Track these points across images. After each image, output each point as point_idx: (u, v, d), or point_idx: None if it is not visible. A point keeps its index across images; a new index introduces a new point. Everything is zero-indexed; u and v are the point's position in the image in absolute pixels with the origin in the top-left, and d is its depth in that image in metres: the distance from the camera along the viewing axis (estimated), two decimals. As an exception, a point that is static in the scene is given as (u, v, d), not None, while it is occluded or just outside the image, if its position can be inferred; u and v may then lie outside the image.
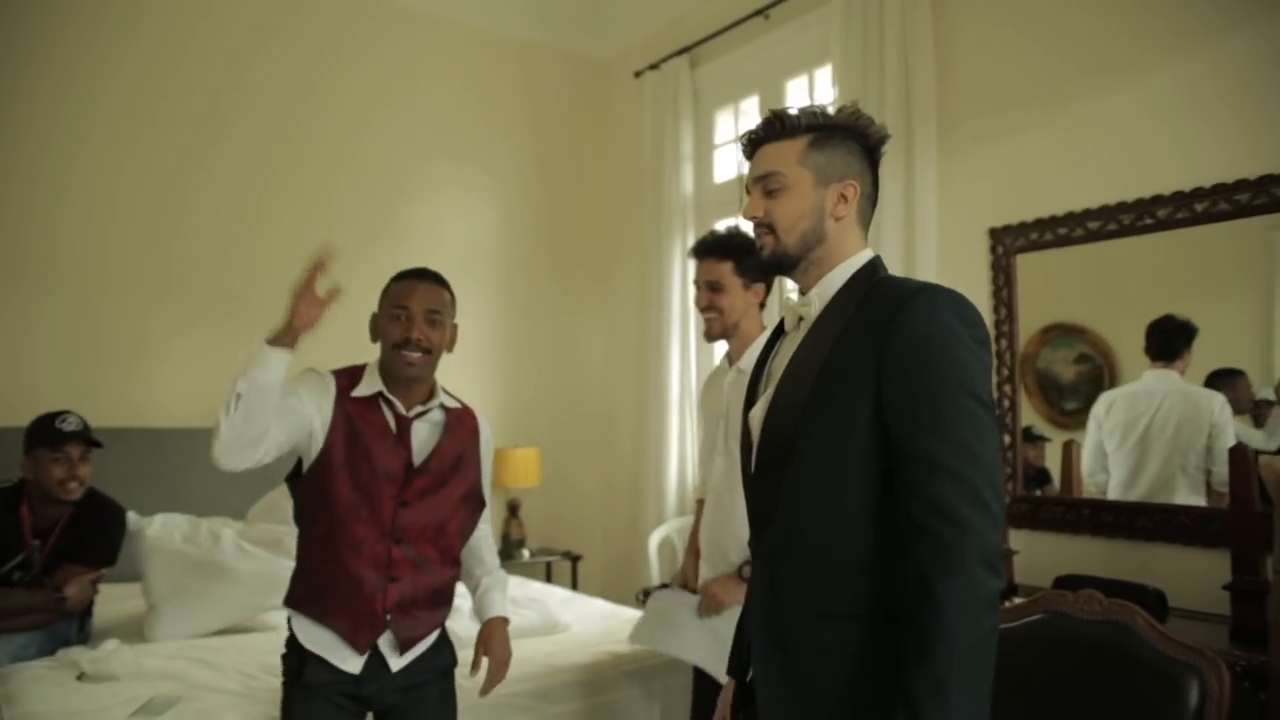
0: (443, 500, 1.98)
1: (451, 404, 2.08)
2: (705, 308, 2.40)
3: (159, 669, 2.51)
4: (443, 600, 2.03)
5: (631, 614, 3.31)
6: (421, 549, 1.95)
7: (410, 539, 1.93)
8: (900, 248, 3.45)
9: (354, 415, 1.92)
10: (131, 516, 3.01)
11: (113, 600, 3.19)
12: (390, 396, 1.96)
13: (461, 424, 2.07)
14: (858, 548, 1.31)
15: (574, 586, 4.69)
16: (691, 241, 4.63)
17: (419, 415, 2.00)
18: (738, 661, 1.63)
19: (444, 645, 2.07)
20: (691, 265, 4.60)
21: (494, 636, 2.04)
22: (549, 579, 4.79)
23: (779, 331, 1.56)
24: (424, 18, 4.73)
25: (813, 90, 4.19)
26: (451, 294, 2.04)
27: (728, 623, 2.17)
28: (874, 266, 1.45)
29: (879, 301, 1.35)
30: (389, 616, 1.90)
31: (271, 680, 2.44)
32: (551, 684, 2.55)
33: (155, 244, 3.95)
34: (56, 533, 2.87)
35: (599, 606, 3.37)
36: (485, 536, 2.17)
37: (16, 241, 3.66)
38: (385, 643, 1.91)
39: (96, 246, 3.82)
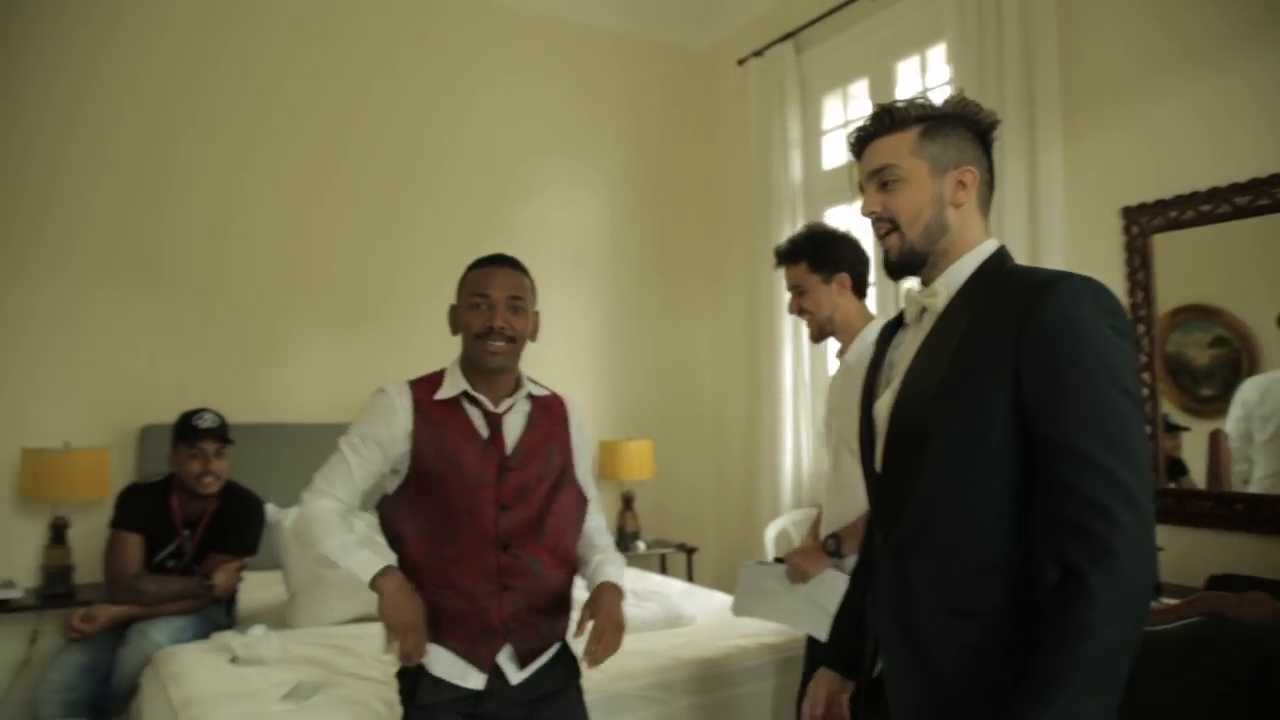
0: (541, 495, 1.88)
1: (539, 392, 1.98)
2: (798, 312, 2.41)
3: (303, 654, 2.63)
4: (562, 607, 1.93)
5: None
6: (531, 552, 1.85)
7: (517, 543, 1.83)
8: (1024, 235, 3.33)
9: (437, 423, 1.85)
10: (270, 508, 3.16)
11: (257, 587, 3.36)
12: (476, 394, 1.87)
13: (549, 412, 1.97)
14: (993, 542, 1.28)
15: (689, 578, 4.69)
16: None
17: (508, 409, 1.91)
18: (847, 657, 1.60)
19: (566, 656, 1.96)
20: (802, 254, 4.58)
21: (603, 595, 1.86)
22: (664, 571, 4.81)
23: (897, 323, 1.53)
24: (521, 14, 4.78)
25: (925, 71, 4.07)
26: (531, 280, 1.96)
27: (820, 588, 2.23)
28: (1002, 256, 1.41)
29: (1013, 291, 1.31)
30: (507, 629, 1.81)
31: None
32: (676, 677, 2.56)
33: (284, 246, 4.13)
34: (204, 524, 3.07)
35: (720, 599, 3.35)
36: (598, 528, 2.06)
37: (157, 248, 3.86)
38: (504, 656, 1.82)
39: (229, 251, 4.01)
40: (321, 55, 4.26)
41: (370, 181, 4.35)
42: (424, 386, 1.90)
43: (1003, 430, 1.26)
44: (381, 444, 1.84)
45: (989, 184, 1.45)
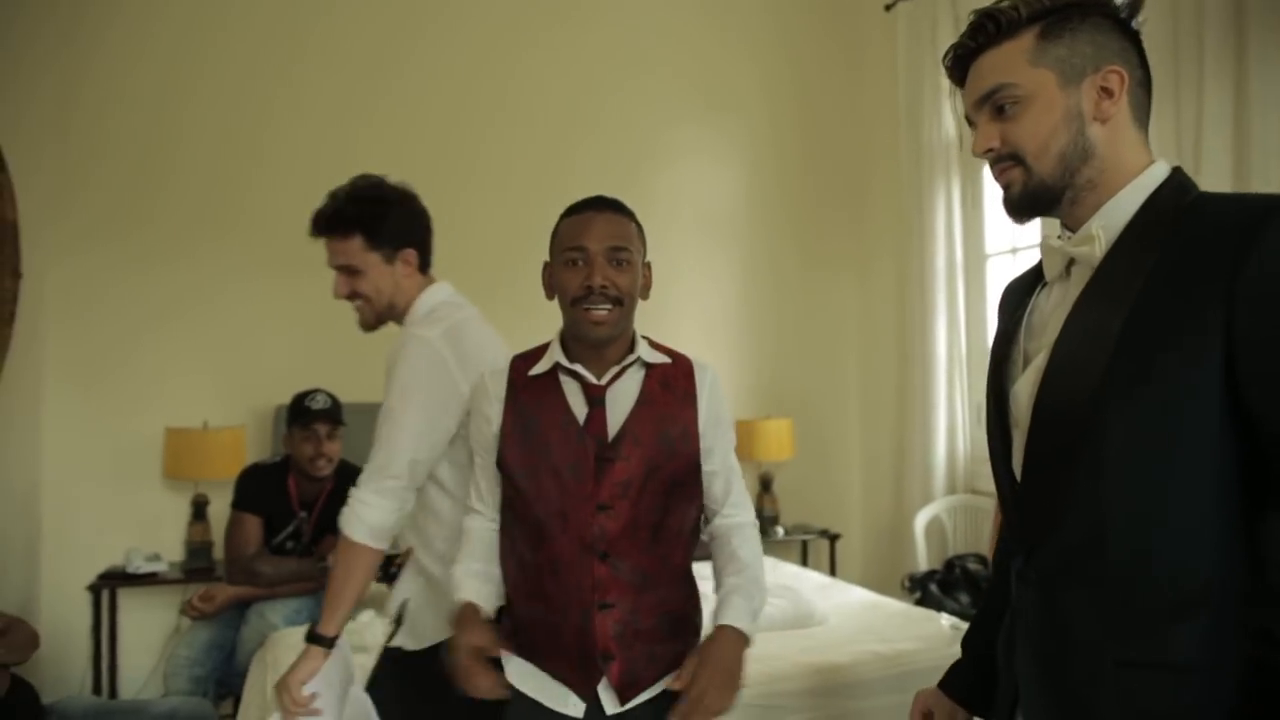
0: (654, 492, 1.50)
1: (656, 358, 1.57)
2: (348, 297, 1.93)
3: (407, 643, 2.52)
4: (680, 629, 1.55)
5: (897, 606, 2.97)
6: (636, 561, 1.50)
7: (618, 551, 1.49)
8: (1229, 161, 2.79)
9: (526, 405, 1.54)
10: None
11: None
12: (572, 366, 1.53)
13: (670, 384, 1.56)
14: (1193, 571, 0.97)
15: (832, 569, 4.38)
16: (958, 190, 4.13)
17: (614, 380, 1.53)
18: (968, 684, 1.32)
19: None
20: (959, 215, 4.15)
21: (717, 646, 1.46)
22: (804, 560, 4.52)
23: (1033, 280, 1.20)
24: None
25: (1103, -3, 3.53)
26: (638, 224, 1.57)
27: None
28: (1180, 183, 1.06)
29: (1214, 227, 0.98)
30: (605, 655, 1.48)
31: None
32: (801, 686, 2.29)
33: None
34: (319, 505, 3.05)
35: (859, 596, 3.04)
36: (739, 527, 1.61)
37: (270, 229, 3.87)
38: (605, 685, 1.50)
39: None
40: (445, 28, 4.17)
41: (507, 154, 4.24)
42: (524, 361, 1.61)
43: (1208, 418, 0.95)
44: (490, 439, 1.58)
45: (1145, 87, 1.10)
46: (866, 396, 4.84)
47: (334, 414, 3.07)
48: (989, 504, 3.95)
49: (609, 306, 1.48)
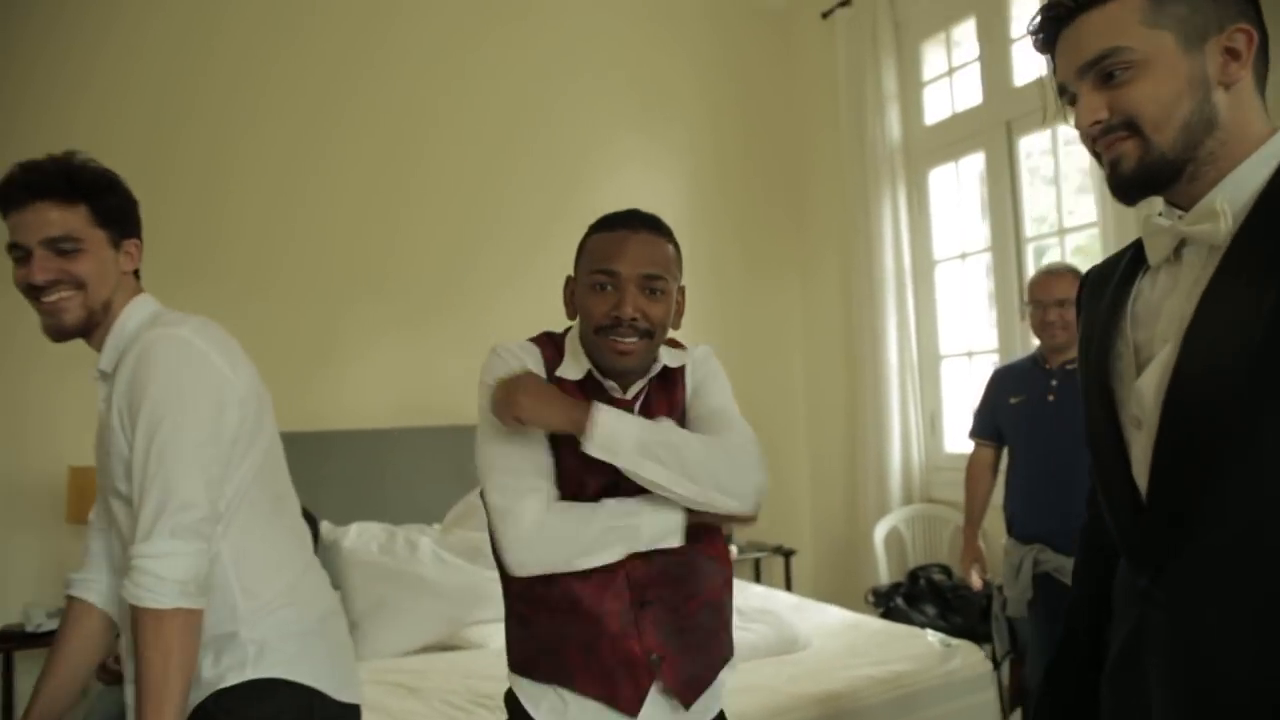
0: None
1: (676, 361, 1.47)
2: (51, 284, 1.42)
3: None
4: (719, 614, 1.42)
5: (878, 624, 2.84)
6: (668, 554, 1.35)
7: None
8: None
9: None
10: (325, 526, 2.83)
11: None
12: (606, 382, 1.41)
13: (668, 388, 1.45)
14: None
15: (788, 585, 4.26)
16: (904, 195, 4.09)
17: (640, 394, 1.43)
18: None
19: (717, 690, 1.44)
20: (905, 220, 4.11)
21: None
22: (757, 578, 4.38)
23: (1134, 264, 1.07)
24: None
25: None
26: (676, 247, 1.43)
27: None
28: None
29: None
30: (655, 659, 1.33)
31: (480, 714, 2.16)
32: (803, 718, 2.13)
33: (339, 239, 3.81)
34: None
35: (836, 615, 2.91)
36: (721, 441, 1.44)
37: (201, 247, 3.59)
38: (656, 694, 1.34)
39: (281, 247, 3.71)
40: (390, 33, 3.94)
41: (437, 171, 4.00)
42: (550, 350, 1.45)
43: None
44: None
45: (1265, 51, 0.98)
46: (813, 407, 4.75)
47: None
48: (947, 513, 3.89)
49: (636, 338, 1.34)
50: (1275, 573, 0.86)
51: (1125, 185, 0.99)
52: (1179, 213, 0.99)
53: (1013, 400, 2.77)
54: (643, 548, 1.32)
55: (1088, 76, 0.98)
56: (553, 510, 1.31)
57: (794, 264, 4.82)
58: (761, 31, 4.82)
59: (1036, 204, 3.71)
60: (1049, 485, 2.55)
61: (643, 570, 1.33)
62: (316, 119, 3.80)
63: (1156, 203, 1.04)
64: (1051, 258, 3.62)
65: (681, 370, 1.48)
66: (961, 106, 3.95)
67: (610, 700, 1.32)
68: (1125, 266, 1.08)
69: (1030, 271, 3.64)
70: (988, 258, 3.84)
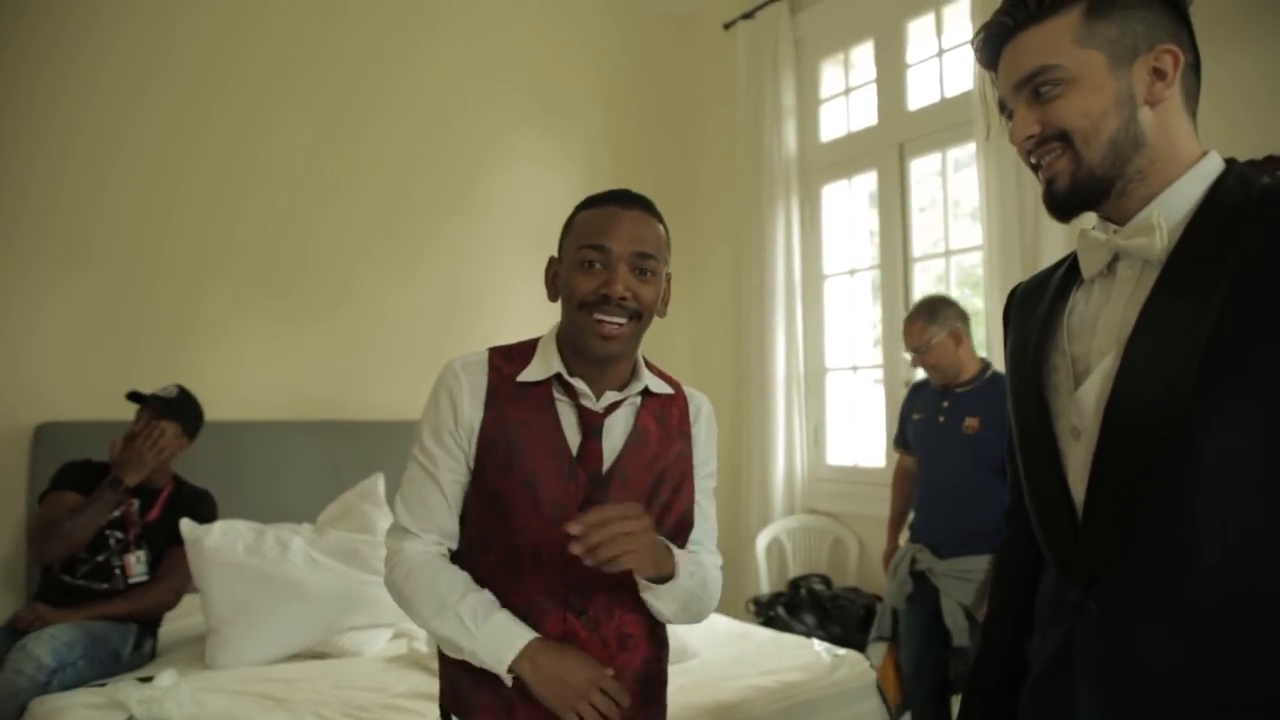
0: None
1: (660, 388, 1.38)
2: None
3: (221, 710, 2.09)
4: (651, 695, 1.36)
5: (765, 634, 2.84)
6: (617, 619, 1.30)
7: (596, 607, 1.28)
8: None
9: (512, 420, 1.29)
10: (185, 524, 2.61)
11: (175, 616, 2.81)
12: (573, 380, 1.31)
13: (666, 419, 1.37)
14: None
15: (668, 594, 4.23)
16: (797, 209, 4.14)
17: (614, 407, 1.33)
18: None
19: None
20: (798, 234, 4.16)
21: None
22: (640, 585, 4.34)
23: (1061, 280, 1.09)
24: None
25: (942, 31, 3.65)
26: (667, 230, 1.36)
27: None
28: (1242, 173, 0.97)
29: None
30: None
31: (355, 726, 2.02)
32: (693, 730, 2.09)
33: (211, 222, 3.55)
34: (160, 504, 2.68)
35: (723, 625, 2.87)
36: (709, 565, 1.40)
37: (70, 219, 3.28)
38: None
39: (142, 223, 3.43)
40: (272, 18, 3.70)
41: (328, 150, 3.79)
42: (506, 361, 1.34)
43: None
44: (459, 440, 1.30)
45: (1196, 71, 1.01)
46: (701, 416, 4.74)
47: (166, 404, 2.65)
48: (827, 524, 3.95)
49: (624, 319, 1.26)
50: (1209, 585, 0.87)
51: (1059, 202, 1.01)
52: (1113, 227, 1.01)
53: (915, 416, 2.94)
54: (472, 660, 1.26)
55: (1023, 92, 1.01)
56: (427, 569, 1.28)
57: (683, 271, 4.78)
58: (664, 37, 4.81)
59: (924, 225, 3.82)
60: (939, 496, 2.79)
61: (581, 633, 1.28)
62: (214, 110, 3.56)
63: (1088, 219, 1.05)
64: (933, 277, 3.74)
65: (674, 403, 1.40)
66: (857, 126, 4.03)
67: None
68: (1059, 281, 1.09)
69: (916, 289, 3.75)
70: (875, 275, 3.93)
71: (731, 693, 2.25)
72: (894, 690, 2.86)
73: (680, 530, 1.36)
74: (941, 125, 3.58)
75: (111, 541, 2.59)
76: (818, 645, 2.61)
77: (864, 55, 4.06)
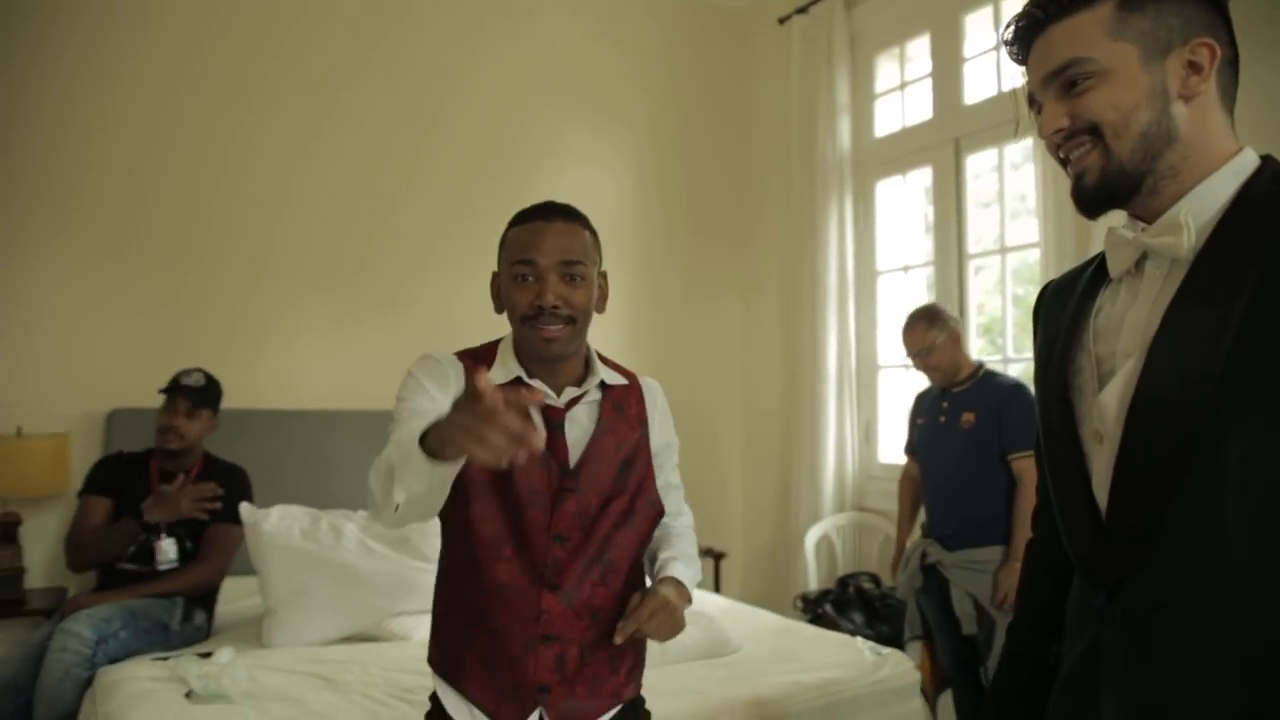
0: (608, 522, 1.40)
1: (615, 379, 1.47)
2: None
3: (275, 687, 2.18)
4: (621, 666, 1.44)
5: (809, 630, 2.83)
6: (588, 594, 1.38)
7: (569, 584, 1.37)
8: None
9: None
10: (245, 508, 2.71)
11: (234, 596, 2.93)
12: (532, 382, 1.40)
13: (624, 408, 1.47)
14: None
15: (715, 588, 4.24)
16: (850, 206, 4.11)
17: (574, 403, 1.42)
18: None
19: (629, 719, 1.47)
20: (851, 230, 4.13)
21: (660, 586, 1.40)
22: (688, 579, 4.35)
23: (1091, 280, 1.07)
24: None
25: (1000, 22, 3.59)
26: (593, 233, 1.45)
27: None
28: (1276, 170, 0.95)
29: None
30: (542, 688, 1.36)
31: (400, 708, 2.08)
32: (730, 723, 2.10)
33: (276, 214, 3.68)
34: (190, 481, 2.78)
35: (767, 620, 2.88)
36: (678, 528, 1.55)
37: (130, 220, 3.42)
38: (535, 718, 1.37)
39: (216, 221, 3.56)
40: (323, 13, 3.80)
41: (377, 148, 3.89)
42: (475, 363, 1.42)
43: None
44: (439, 406, 1.33)
45: (1234, 67, 0.99)
46: (750, 410, 4.75)
47: (199, 393, 2.85)
48: (878, 522, 3.92)
49: (559, 325, 1.36)
50: (1235, 591, 0.86)
51: (1088, 198, 1.00)
52: (1142, 225, 0.99)
53: (919, 421, 3.13)
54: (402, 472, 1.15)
55: (1052, 86, 0.99)
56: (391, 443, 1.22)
57: (737, 267, 4.81)
58: (718, 33, 4.81)
59: (983, 221, 3.77)
60: (945, 493, 2.94)
61: (558, 608, 1.36)
62: (286, 116, 3.71)
63: (1119, 217, 1.04)
64: (991, 275, 3.68)
65: (631, 392, 1.49)
66: (912, 121, 3.99)
67: (493, 711, 1.36)
68: (1087, 280, 1.07)
69: (972, 287, 3.70)
70: (930, 271, 3.88)
71: (771, 688, 2.26)
72: (929, 683, 2.93)
73: (652, 509, 1.47)
74: (998, 120, 3.51)
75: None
76: (861, 643, 2.60)
77: (920, 49, 4.01)
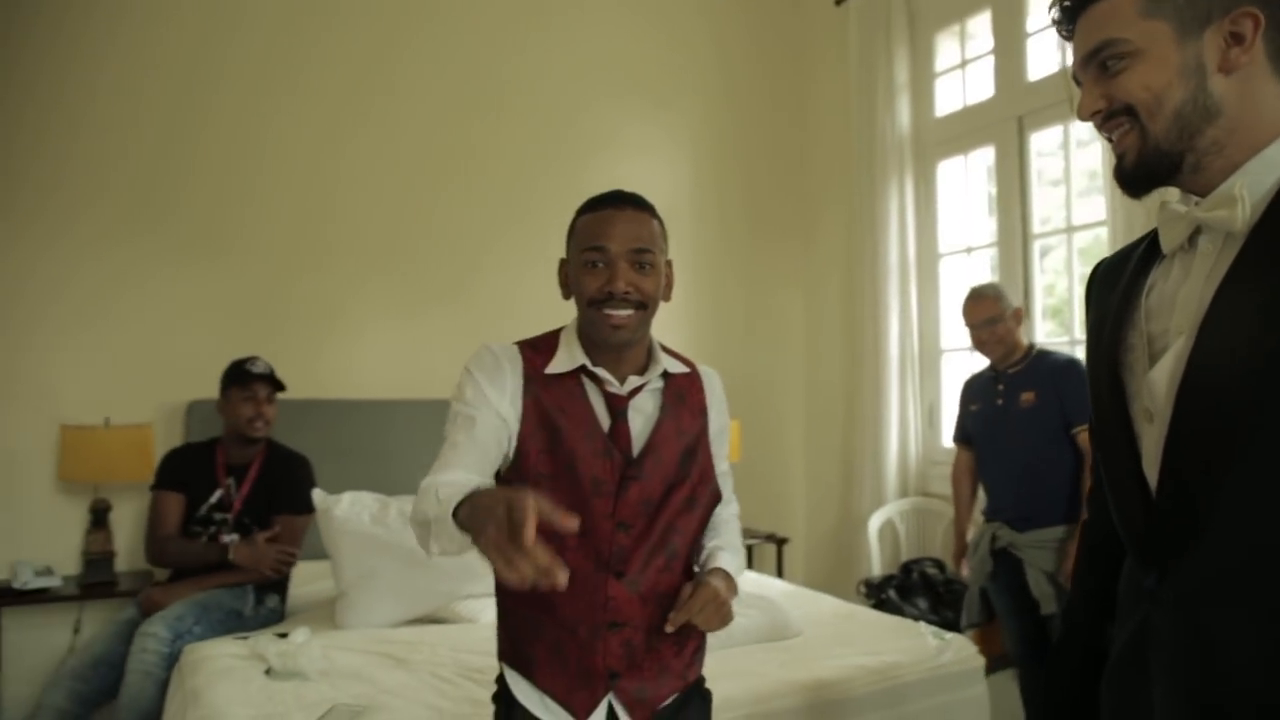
0: (671, 509, 1.42)
1: (677, 368, 1.49)
2: None
3: (348, 666, 2.27)
4: (686, 649, 1.47)
5: (871, 615, 2.83)
6: (652, 580, 1.41)
7: (634, 571, 1.39)
8: None
9: (549, 406, 1.39)
10: (317, 494, 2.82)
11: (309, 579, 3.05)
12: (596, 370, 1.42)
13: (685, 397, 1.48)
14: None
15: (779, 573, 4.25)
16: (911, 187, 4.06)
17: (636, 391, 1.43)
18: None
19: (693, 700, 1.50)
20: (912, 212, 4.08)
21: (707, 577, 1.41)
22: (750, 564, 4.37)
23: (1143, 256, 1.05)
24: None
25: (1064, -6, 3.49)
26: (661, 222, 1.47)
27: None
28: None
29: None
30: (612, 674, 1.38)
31: (467, 686, 2.15)
32: (790, 704, 2.12)
33: (343, 213, 3.79)
34: (251, 476, 2.93)
35: (829, 605, 2.89)
36: (725, 517, 1.57)
37: (205, 216, 3.56)
38: (605, 707, 1.40)
39: (282, 217, 3.69)
40: (407, 20, 3.91)
41: (450, 152, 3.98)
42: (535, 353, 1.44)
43: None
44: (494, 406, 1.37)
45: None
46: (812, 395, 4.73)
47: (273, 378, 3.00)
48: (942, 506, 3.88)
49: (629, 310, 1.38)
50: (1274, 576, 0.84)
51: (1128, 177, 0.99)
52: (1195, 200, 0.97)
53: (973, 408, 3.09)
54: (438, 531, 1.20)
55: (1089, 67, 0.99)
56: (434, 485, 1.25)
57: (797, 252, 4.79)
58: (774, 17, 4.78)
59: (1044, 201, 3.69)
60: (1011, 475, 2.90)
61: (623, 595, 1.38)
62: (342, 105, 3.80)
63: (1171, 193, 1.02)
64: (1058, 255, 3.61)
65: (692, 381, 1.51)
66: (973, 99, 3.92)
67: (565, 700, 1.39)
68: (1139, 257, 1.06)
69: (1037, 268, 3.63)
70: (993, 253, 3.82)
71: (831, 670, 2.27)
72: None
73: (712, 496, 1.50)
74: (1063, 96, 3.43)
75: (216, 516, 2.89)
76: (924, 628, 2.59)
77: (981, 25, 3.93)
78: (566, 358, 1.42)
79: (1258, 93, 0.93)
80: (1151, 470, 0.96)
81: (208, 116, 3.58)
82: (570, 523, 1.00)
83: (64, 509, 3.32)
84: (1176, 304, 0.96)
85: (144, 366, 3.44)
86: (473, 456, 1.34)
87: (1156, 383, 0.95)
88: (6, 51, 3.27)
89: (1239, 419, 0.86)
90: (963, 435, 3.16)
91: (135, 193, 3.46)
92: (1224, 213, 0.92)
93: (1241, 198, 0.91)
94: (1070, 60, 1.04)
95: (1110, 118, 0.97)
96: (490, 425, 1.36)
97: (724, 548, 1.51)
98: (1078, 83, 1.02)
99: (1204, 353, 0.90)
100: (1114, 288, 1.07)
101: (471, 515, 1.08)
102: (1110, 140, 1.00)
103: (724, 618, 1.38)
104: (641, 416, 1.43)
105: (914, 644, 2.47)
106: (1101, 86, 0.97)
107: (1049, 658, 1.21)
